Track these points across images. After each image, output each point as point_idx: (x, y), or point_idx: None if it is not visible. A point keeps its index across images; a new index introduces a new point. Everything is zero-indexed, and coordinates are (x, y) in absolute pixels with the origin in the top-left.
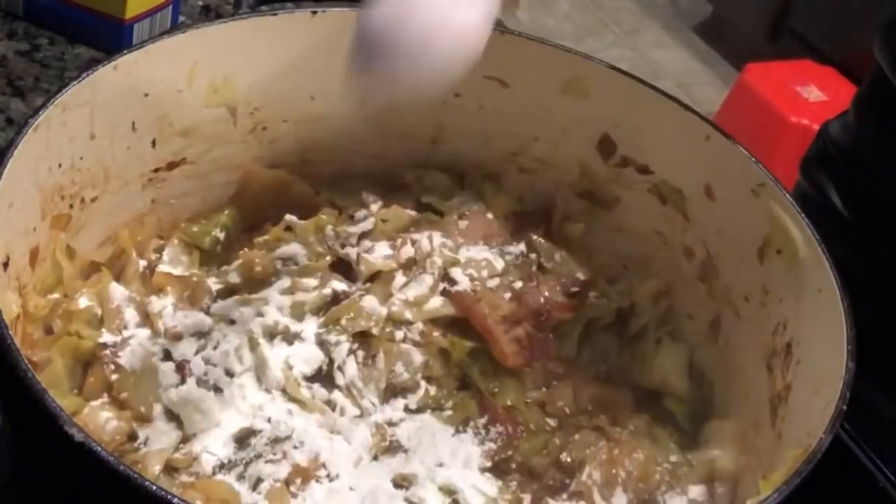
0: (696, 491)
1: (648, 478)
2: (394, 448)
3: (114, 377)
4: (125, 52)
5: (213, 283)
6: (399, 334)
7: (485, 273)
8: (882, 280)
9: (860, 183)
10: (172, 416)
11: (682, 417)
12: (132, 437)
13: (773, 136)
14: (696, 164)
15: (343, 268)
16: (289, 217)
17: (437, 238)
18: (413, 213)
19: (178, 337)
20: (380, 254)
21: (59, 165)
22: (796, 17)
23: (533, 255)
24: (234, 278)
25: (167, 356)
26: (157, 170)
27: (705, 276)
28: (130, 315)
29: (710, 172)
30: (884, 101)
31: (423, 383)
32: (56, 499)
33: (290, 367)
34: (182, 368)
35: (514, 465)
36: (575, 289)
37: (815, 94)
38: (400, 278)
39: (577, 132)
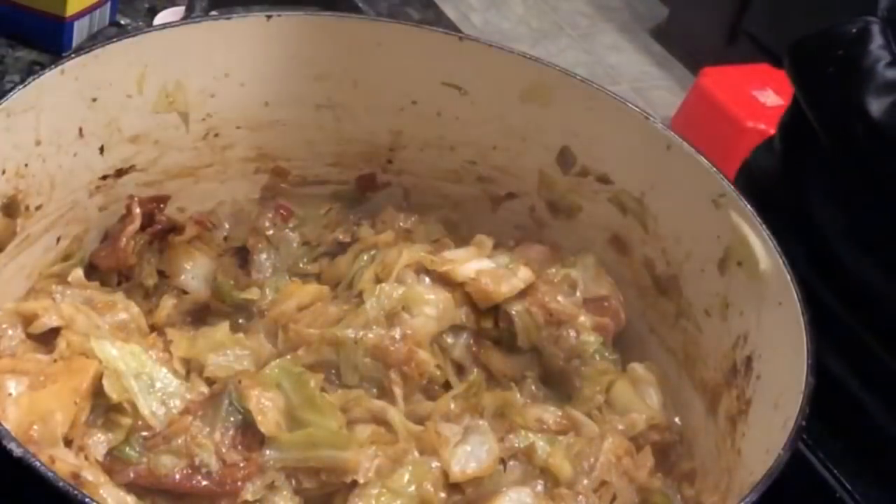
0: None
1: None
2: None
3: None
4: (72, 55)
5: None
6: None
7: None
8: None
9: (785, 215)
10: None
11: None
12: None
13: (729, 141)
14: (656, 174)
15: None
16: None
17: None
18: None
19: None
20: None
21: (3, 172)
22: (753, 20)
23: None
24: None
25: None
26: (104, 177)
27: (666, 287)
28: None
29: (671, 182)
30: (800, 124)
31: None
32: None
33: None
34: None
35: None
36: None
37: (771, 99)
38: None
39: (537, 140)
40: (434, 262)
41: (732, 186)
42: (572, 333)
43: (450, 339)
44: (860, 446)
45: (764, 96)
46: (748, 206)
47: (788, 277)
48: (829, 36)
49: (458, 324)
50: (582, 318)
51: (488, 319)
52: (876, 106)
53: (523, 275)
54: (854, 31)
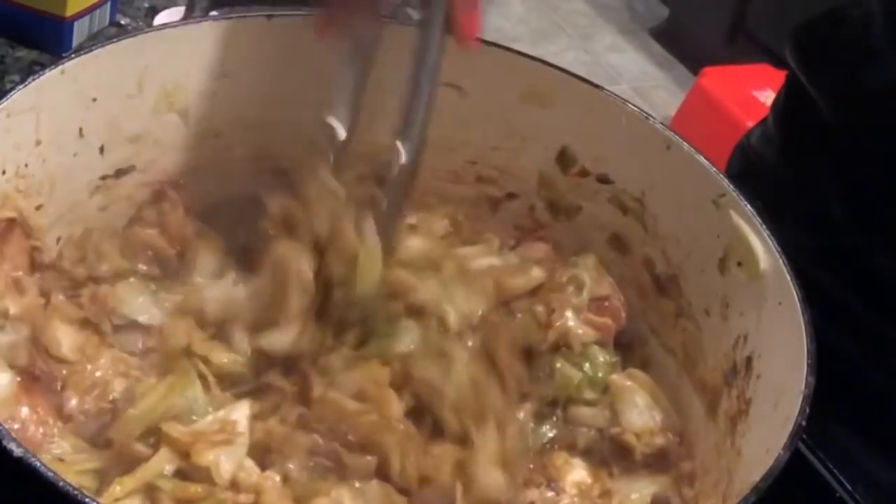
0: None
1: None
2: None
3: None
4: (72, 55)
5: None
6: None
7: None
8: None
9: (784, 195)
10: None
11: None
12: None
13: (729, 141)
14: (656, 174)
15: None
16: None
17: None
18: None
19: None
20: None
21: (3, 172)
22: (753, 20)
23: None
24: None
25: None
26: (104, 177)
27: (666, 287)
28: None
29: (671, 182)
30: (800, 107)
31: None
32: None
33: None
34: None
35: None
36: None
37: (771, 98)
38: None
39: (537, 140)
40: (445, 256)
41: (732, 186)
42: (573, 333)
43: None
44: (879, 436)
45: (764, 96)
46: (748, 205)
47: (788, 277)
48: (831, 18)
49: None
50: (583, 318)
51: (496, 316)
52: (878, 84)
53: (536, 272)
54: (855, 13)
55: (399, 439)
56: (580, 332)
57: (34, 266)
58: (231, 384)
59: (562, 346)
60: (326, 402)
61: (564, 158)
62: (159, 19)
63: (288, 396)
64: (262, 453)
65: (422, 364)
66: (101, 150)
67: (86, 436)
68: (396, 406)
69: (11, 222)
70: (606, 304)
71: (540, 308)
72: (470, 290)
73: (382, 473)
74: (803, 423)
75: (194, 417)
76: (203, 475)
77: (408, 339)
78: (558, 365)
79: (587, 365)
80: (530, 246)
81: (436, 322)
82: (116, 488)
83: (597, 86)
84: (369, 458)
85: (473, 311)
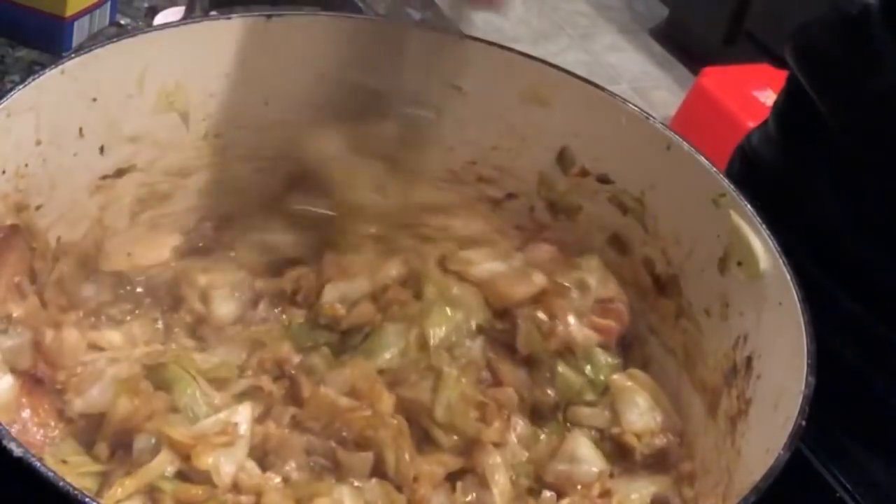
0: None
1: None
2: None
3: None
4: (72, 55)
5: None
6: None
7: None
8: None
9: (784, 198)
10: None
11: None
12: None
13: (729, 141)
14: (656, 174)
15: None
16: None
17: None
18: None
19: None
20: None
21: (3, 172)
22: (753, 20)
23: None
24: None
25: None
26: (105, 177)
27: (666, 287)
28: None
29: (671, 182)
30: (800, 108)
31: None
32: None
33: None
34: None
35: None
36: None
37: (771, 99)
38: None
39: (537, 140)
40: (452, 261)
41: (733, 186)
42: (576, 339)
43: (468, 343)
44: (880, 437)
45: (764, 96)
46: (748, 205)
47: (788, 277)
48: (831, 18)
49: (478, 322)
50: (586, 321)
51: (500, 322)
52: (878, 86)
53: (537, 279)
54: (855, 12)
55: (393, 434)
56: (582, 336)
57: (35, 270)
58: (221, 385)
59: (564, 351)
60: (318, 400)
61: (564, 158)
62: (159, 19)
63: (278, 399)
64: (263, 455)
65: (409, 381)
66: (101, 149)
67: (85, 440)
68: (388, 401)
69: (14, 228)
70: (611, 305)
71: (542, 315)
72: (455, 306)
73: (380, 471)
74: (803, 423)
75: (192, 415)
76: (204, 477)
77: (387, 354)
78: (560, 369)
79: (588, 367)
80: (536, 247)
81: (415, 339)
82: (118, 490)
83: (597, 86)
84: (364, 454)
85: (454, 329)
